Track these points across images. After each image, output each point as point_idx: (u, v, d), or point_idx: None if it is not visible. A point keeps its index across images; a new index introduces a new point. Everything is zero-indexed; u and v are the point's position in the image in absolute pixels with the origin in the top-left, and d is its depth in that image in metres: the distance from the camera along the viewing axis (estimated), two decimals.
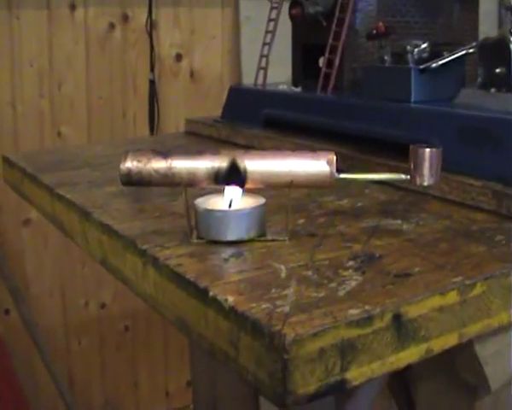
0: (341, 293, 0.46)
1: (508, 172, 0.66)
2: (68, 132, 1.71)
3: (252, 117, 0.98)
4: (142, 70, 1.75)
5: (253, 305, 0.44)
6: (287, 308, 0.44)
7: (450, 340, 0.48)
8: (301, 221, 0.62)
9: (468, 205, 0.66)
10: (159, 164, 0.56)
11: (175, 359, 1.94)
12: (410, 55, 0.80)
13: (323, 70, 0.91)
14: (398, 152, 0.77)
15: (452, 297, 0.47)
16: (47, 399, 1.73)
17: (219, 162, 0.56)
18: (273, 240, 0.57)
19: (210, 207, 0.57)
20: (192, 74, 1.83)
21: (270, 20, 1.01)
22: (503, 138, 0.67)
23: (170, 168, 0.56)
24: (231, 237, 0.56)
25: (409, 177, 0.58)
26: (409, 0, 0.93)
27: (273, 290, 0.47)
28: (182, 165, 0.56)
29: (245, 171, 0.56)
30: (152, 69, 1.73)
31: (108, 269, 0.64)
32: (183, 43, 1.80)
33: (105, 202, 0.70)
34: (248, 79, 1.68)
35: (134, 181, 0.57)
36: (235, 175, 0.56)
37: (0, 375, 1.48)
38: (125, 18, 1.72)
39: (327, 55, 0.91)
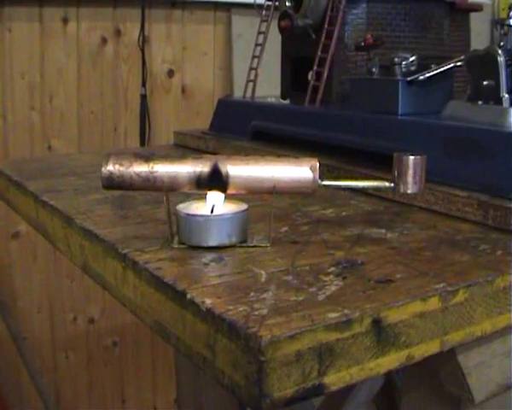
0: (321, 297, 0.45)
1: (493, 182, 0.65)
2: (59, 146, 1.70)
3: (240, 129, 0.98)
4: (133, 85, 1.75)
5: (231, 307, 0.43)
6: (264, 311, 0.43)
7: (432, 347, 0.47)
8: (284, 229, 0.62)
9: (454, 216, 0.66)
10: (140, 168, 0.56)
11: (163, 375, 1.92)
12: (397, 68, 0.80)
13: (312, 83, 0.91)
14: (384, 163, 0.77)
15: (434, 304, 0.47)
16: None
17: (201, 167, 0.55)
18: (255, 246, 0.56)
19: (191, 213, 0.56)
20: (184, 90, 1.83)
21: (259, 32, 1.01)
22: (488, 149, 0.67)
23: (151, 172, 0.55)
24: (212, 242, 0.55)
25: (393, 185, 0.57)
26: (399, 14, 0.94)
27: (252, 294, 0.46)
28: (163, 169, 0.55)
29: (227, 176, 0.55)
30: (144, 84, 1.73)
31: (89, 274, 0.63)
32: (175, 58, 1.80)
33: (88, 208, 0.69)
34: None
35: (115, 184, 0.56)
36: (217, 180, 0.55)
37: None
38: (118, 33, 1.72)
39: (315, 67, 0.91)
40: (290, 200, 0.72)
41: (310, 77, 0.94)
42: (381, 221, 0.65)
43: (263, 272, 0.50)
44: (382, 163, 0.77)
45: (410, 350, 0.46)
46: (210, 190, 0.56)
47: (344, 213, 0.67)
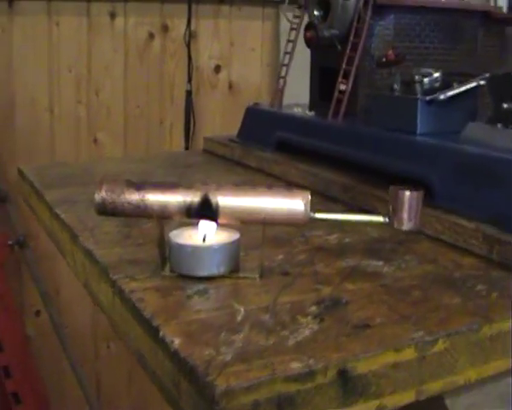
0: (291, 342, 0.45)
1: (503, 214, 0.63)
2: (104, 139, 1.73)
3: (265, 139, 0.98)
4: (180, 80, 1.76)
5: (197, 350, 0.43)
6: (228, 356, 0.43)
7: (406, 396, 0.46)
8: (280, 257, 0.61)
9: (460, 247, 0.64)
10: (131, 196, 0.56)
11: None
12: (418, 85, 0.78)
13: (336, 95, 0.89)
14: (399, 184, 0.76)
15: (409, 354, 0.45)
16: (72, 402, 1.75)
17: (192, 197, 0.55)
18: (244, 277, 0.56)
19: (182, 241, 0.56)
20: (230, 86, 1.83)
21: (288, 41, 1.00)
22: (501, 178, 0.65)
23: (142, 200, 0.56)
24: (201, 272, 0.55)
25: (387, 219, 0.56)
26: (428, 24, 0.91)
27: (223, 334, 0.46)
28: (154, 198, 0.56)
29: (217, 206, 0.55)
30: (189, 80, 1.73)
31: (89, 292, 0.64)
32: (222, 54, 1.80)
33: (96, 224, 0.70)
34: (286, 93, 1.67)
35: (108, 211, 0.57)
36: (207, 210, 0.55)
37: (24, 378, 1.50)
38: (165, 28, 1.73)
39: (340, 79, 0.89)
40: None
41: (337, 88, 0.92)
42: (382, 251, 0.63)
43: (242, 309, 0.50)
44: (399, 183, 0.76)
45: (380, 400, 0.45)
46: (200, 219, 0.56)
47: (347, 240, 0.66)
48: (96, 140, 1.72)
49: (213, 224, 0.57)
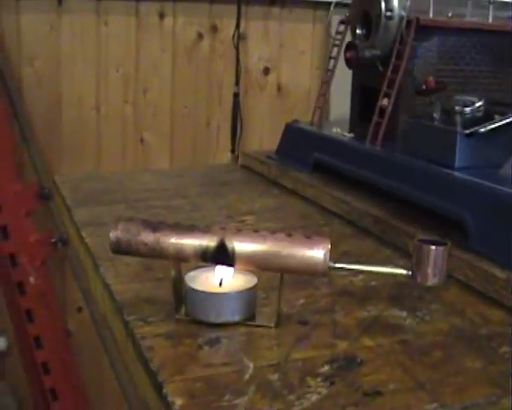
0: None
1: None
2: (151, 139, 1.73)
3: (302, 158, 0.96)
4: (228, 81, 1.75)
5: None
6: None
7: None
8: (300, 302, 0.59)
9: (490, 297, 0.61)
10: (147, 237, 0.55)
11: None
12: (458, 116, 0.74)
13: (375, 119, 0.87)
14: (433, 220, 0.73)
15: None
16: (111, 400, 1.77)
17: (207, 241, 0.54)
18: (258, 326, 0.54)
19: (198, 285, 0.55)
20: (279, 89, 1.81)
21: (330, 57, 0.98)
22: None
23: (158, 243, 0.55)
24: (215, 319, 0.54)
25: (410, 273, 0.53)
26: (474, 46, 0.87)
27: (227, 397, 0.44)
28: (169, 241, 0.54)
29: (233, 252, 0.54)
30: (237, 83, 1.72)
31: (107, 327, 0.64)
32: (271, 56, 1.78)
33: None
34: (335, 97, 1.64)
35: (123, 250, 0.56)
36: (223, 256, 0.54)
37: (63, 374, 1.52)
38: (214, 28, 1.72)
39: (380, 102, 0.86)
40: None
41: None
42: (408, 298, 0.61)
43: (251, 366, 0.48)
44: (431, 219, 0.73)
45: None
46: (216, 264, 0.55)
47: (373, 284, 0.64)
48: (142, 139, 1.73)
49: (230, 268, 0.55)
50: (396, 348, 0.52)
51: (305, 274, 0.54)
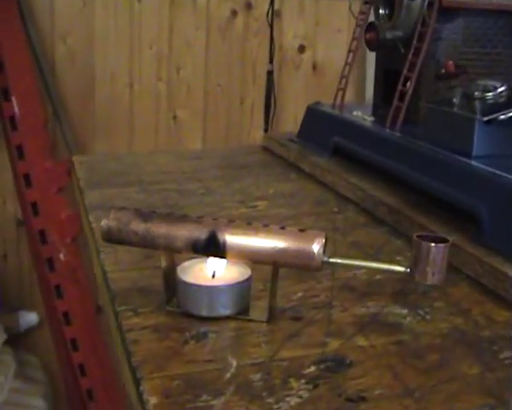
0: None
1: None
2: (184, 116, 1.72)
3: (323, 142, 0.93)
4: (262, 59, 1.72)
5: None
6: None
7: None
8: (299, 295, 0.57)
9: (500, 296, 0.58)
10: (138, 227, 0.54)
11: None
12: (477, 102, 0.71)
13: (395, 103, 0.83)
14: (449, 211, 0.70)
15: None
16: None
17: (198, 233, 0.52)
18: (250, 320, 0.53)
19: (190, 276, 0.54)
20: (314, 67, 1.77)
21: (353, 39, 0.95)
22: None
23: (149, 232, 0.53)
24: (206, 312, 0.53)
25: (408, 270, 0.51)
26: (501, 28, 0.83)
27: (203, 397, 0.43)
28: (160, 231, 0.53)
29: (224, 245, 0.52)
30: (271, 61, 1.69)
31: (104, 314, 0.63)
32: (306, 34, 1.74)
33: None
34: (371, 76, 1.59)
35: (114, 239, 0.55)
36: (213, 248, 0.52)
37: (91, 350, 1.54)
38: (249, 6, 1.69)
39: (400, 86, 0.83)
40: (332, 246, 0.67)
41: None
42: (413, 294, 0.58)
43: (234, 364, 0.47)
44: (446, 209, 0.70)
45: None
46: (207, 256, 0.53)
47: (377, 277, 0.61)
48: (175, 117, 1.72)
49: (223, 260, 0.54)
50: (390, 350, 0.49)
51: (298, 268, 0.52)
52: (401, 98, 0.83)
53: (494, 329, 0.53)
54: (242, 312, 0.54)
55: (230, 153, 1.07)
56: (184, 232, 0.53)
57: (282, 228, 0.52)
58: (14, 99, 1.39)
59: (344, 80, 0.96)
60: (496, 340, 0.51)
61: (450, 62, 0.75)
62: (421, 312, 0.55)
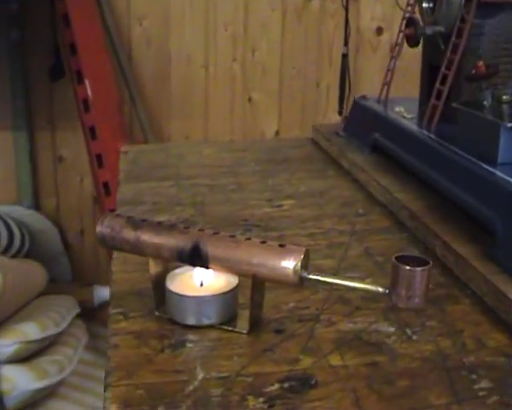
0: None
1: None
2: (259, 98, 1.73)
3: (364, 138, 0.91)
4: (339, 41, 1.69)
5: None
6: None
7: None
8: (290, 305, 0.58)
9: (499, 317, 0.56)
10: (129, 235, 0.55)
11: None
12: (506, 106, 0.67)
13: (432, 101, 0.81)
14: (470, 221, 0.67)
15: None
16: None
17: (184, 243, 0.53)
18: (232, 331, 0.53)
19: (179, 284, 0.55)
20: (392, 50, 1.73)
21: (399, 31, 0.92)
22: None
23: (138, 241, 0.55)
24: (189, 321, 0.54)
25: (387, 291, 0.50)
26: None
27: (159, 409, 0.44)
28: (149, 240, 0.55)
29: (206, 256, 0.53)
30: (346, 43, 1.66)
31: None
32: (384, 16, 1.70)
33: None
34: None
35: (109, 245, 0.57)
36: (197, 258, 0.53)
37: None
38: None
39: (437, 84, 0.80)
40: (343, 252, 0.67)
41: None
42: (407, 311, 0.57)
43: (199, 377, 0.48)
44: (468, 219, 0.68)
45: None
46: (192, 265, 0.55)
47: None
48: (250, 99, 1.73)
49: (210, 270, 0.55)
50: (361, 372, 0.49)
51: (277, 283, 0.52)
52: (438, 97, 0.80)
53: (480, 355, 0.51)
54: (228, 321, 0.54)
55: (277, 145, 1.07)
56: (171, 242, 0.54)
57: (263, 242, 0.53)
58: (87, 82, 1.45)
59: (389, 74, 0.94)
60: (477, 368, 0.49)
61: (481, 63, 0.71)
62: (408, 331, 0.54)
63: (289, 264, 0.51)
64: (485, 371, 0.49)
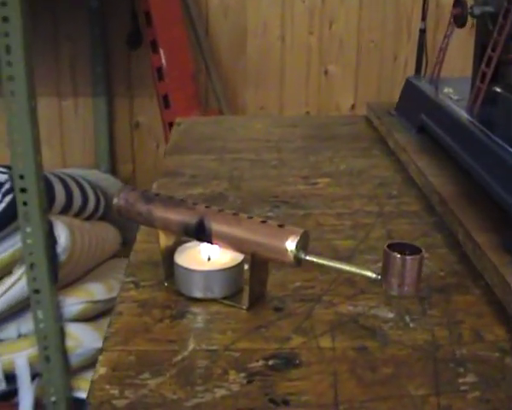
0: (190, 403, 0.44)
1: None
2: (335, 71, 1.72)
3: (413, 118, 0.90)
4: (417, 15, 1.65)
5: (105, 388, 0.45)
6: (121, 403, 0.44)
7: None
8: (297, 284, 0.59)
9: (505, 309, 0.55)
10: (141, 208, 0.58)
11: None
12: None
13: (476, 83, 0.78)
14: (495, 207, 0.66)
15: None
16: None
17: (190, 218, 0.55)
18: (232, 306, 0.55)
19: (187, 257, 0.57)
20: (473, 25, 1.67)
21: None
22: None
23: (150, 214, 0.57)
24: (195, 294, 0.56)
25: (379, 277, 0.50)
26: None
27: (143, 375, 0.47)
28: (158, 214, 0.57)
29: (210, 232, 0.55)
30: (423, 18, 1.61)
31: None
32: None
33: None
34: None
35: (124, 217, 0.59)
36: (201, 233, 0.55)
37: None
38: None
39: (483, 66, 0.78)
40: (364, 233, 0.67)
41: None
42: (412, 297, 0.57)
43: (190, 347, 0.50)
44: (495, 207, 0.66)
45: None
46: (197, 240, 0.56)
47: None
48: (326, 72, 1.72)
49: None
50: (347, 356, 0.49)
51: (276, 262, 0.53)
52: (482, 79, 0.78)
53: (474, 348, 0.50)
54: (232, 296, 0.56)
55: (329, 121, 1.06)
56: (178, 217, 0.56)
57: (263, 222, 0.54)
58: (161, 51, 1.48)
59: (441, 53, 0.91)
60: (467, 361, 0.49)
61: None
62: (407, 318, 0.54)
63: (284, 245, 0.52)
64: (474, 366, 0.48)
